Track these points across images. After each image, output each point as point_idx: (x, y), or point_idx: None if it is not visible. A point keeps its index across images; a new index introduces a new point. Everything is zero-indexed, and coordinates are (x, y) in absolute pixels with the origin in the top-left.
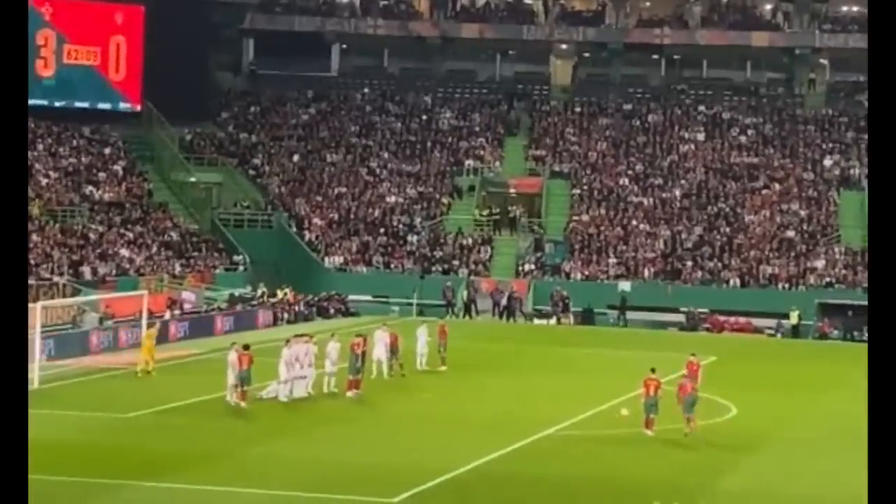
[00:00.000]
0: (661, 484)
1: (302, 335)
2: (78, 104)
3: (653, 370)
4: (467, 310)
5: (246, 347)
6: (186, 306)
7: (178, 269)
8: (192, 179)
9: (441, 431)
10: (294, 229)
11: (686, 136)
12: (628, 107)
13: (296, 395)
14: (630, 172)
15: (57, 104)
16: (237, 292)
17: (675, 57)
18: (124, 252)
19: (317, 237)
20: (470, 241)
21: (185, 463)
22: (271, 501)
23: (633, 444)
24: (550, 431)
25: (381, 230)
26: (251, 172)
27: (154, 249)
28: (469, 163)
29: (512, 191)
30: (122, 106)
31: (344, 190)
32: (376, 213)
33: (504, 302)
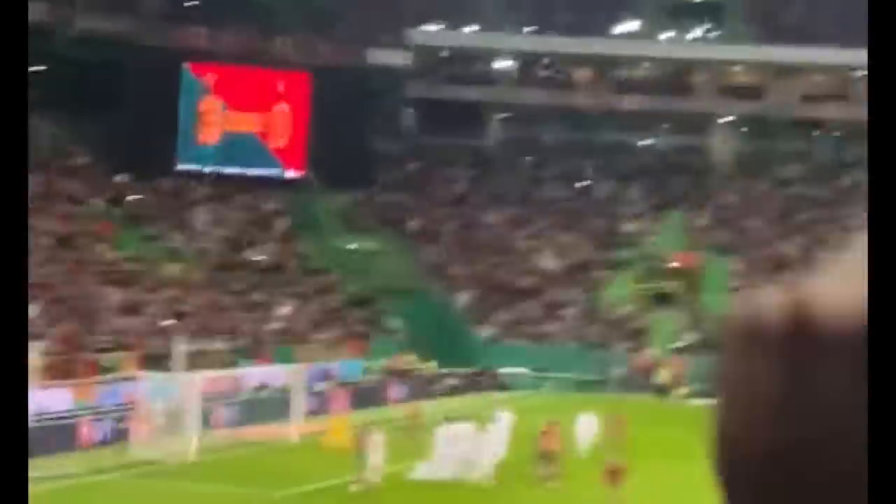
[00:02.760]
0: None
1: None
2: (239, 171)
3: None
4: (626, 387)
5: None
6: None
7: (336, 333)
8: (351, 247)
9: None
10: (449, 300)
11: (853, 211)
12: (791, 180)
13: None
14: (794, 247)
15: (219, 171)
16: (424, 368)
17: (837, 134)
18: (284, 310)
19: (471, 307)
20: (627, 315)
21: None
22: None
23: None
24: None
25: (537, 301)
26: (408, 240)
27: (313, 315)
28: (627, 234)
29: (671, 265)
30: (284, 173)
31: (498, 259)
32: (531, 282)
33: (661, 380)
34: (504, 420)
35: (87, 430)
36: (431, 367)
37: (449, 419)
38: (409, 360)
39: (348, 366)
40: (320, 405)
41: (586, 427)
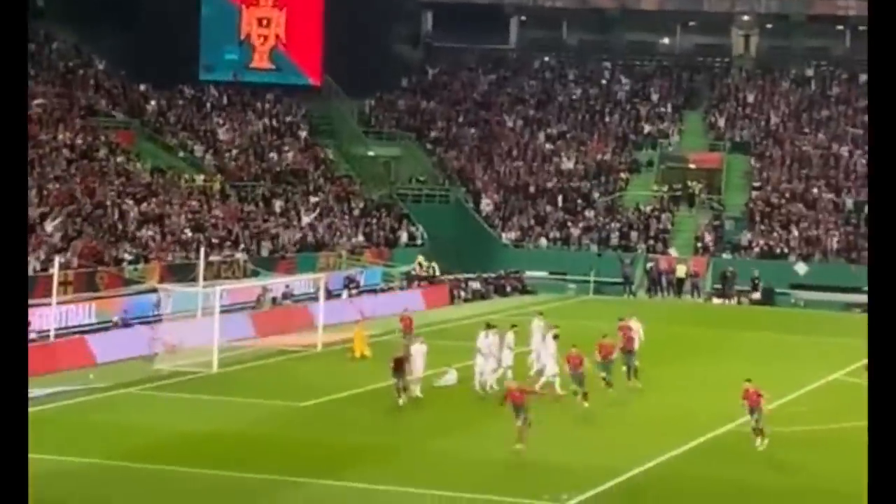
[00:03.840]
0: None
1: (491, 326)
2: (259, 79)
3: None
4: (648, 289)
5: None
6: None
7: (359, 239)
8: (371, 153)
9: (620, 428)
10: (471, 204)
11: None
12: (810, 78)
13: (488, 389)
14: (813, 143)
15: (239, 78)
16: (413, 269)
17: (860, 28)
18: (306, 219)
19: (493, 211)
20: (648, 217)
21: (359, 458)
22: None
23: (813, 443)
24: (731, 427)
25: (558, 204)
26: (428, 146)
27: (335, 219)
28: (647, 134)
29: (691, 165)
30: (304, 80)
31: (521, 163)
32: (553, 184)
33: (682, 281)
34: (541, 327)
35: (103, 345)
36: (454, 272)
37: (489, 326)
38: (430, 266)
39: (370, 273)
40: (343, 313)
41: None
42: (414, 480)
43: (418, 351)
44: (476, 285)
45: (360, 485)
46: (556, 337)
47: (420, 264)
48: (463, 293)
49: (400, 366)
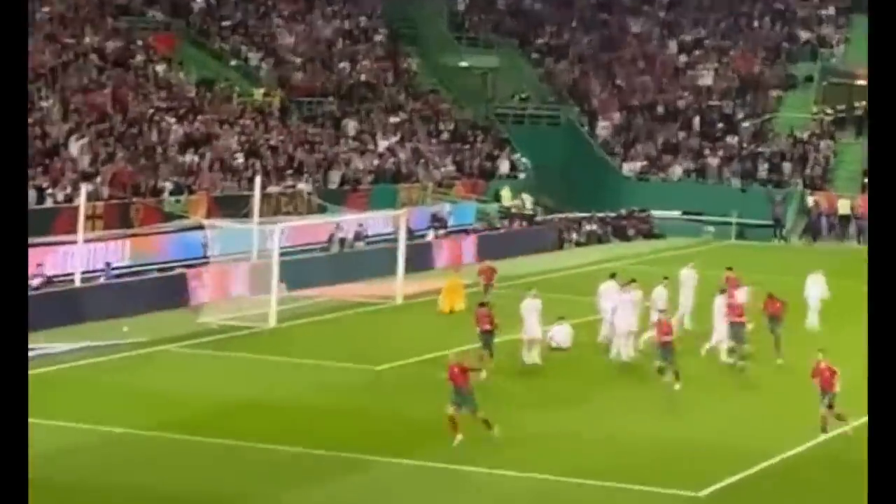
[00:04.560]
0: None
1: (631, 281)
2: None
3: None
4: (803, 232)
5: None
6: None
7: (448, 169)
8: (464, 64)
9: (778, 402)
10: (585, 127)
11: None
12: None
13: (625, 357)
14: None
15: None
16: (513, 206)
17: None
18: (384, 144)
19: (613, 136)
20: (805, 144)
21: (444, 434)
22: (543, 490)
23: None
24: None
25: (693, 128)
26: (534, 56)
27: (420, 144)
28: (805, 42)
29: (859, 82)
30: None
31: (647, 77)
32: (687, 104)
33: (846, 222)
34: (692, 279)
35: (150, 290)
36: (564, 210)
37: (622, 284)
38: (534, 203)
39: (461, 209)
40: (428, 258)
41: (815, 288)
42: (511, 462)
43: (531, 308)
44: (591, 227)
45: (444, 465)
46: (723, 292)
47: (522, 200)
48: (574, 236)
49: (484, 326)
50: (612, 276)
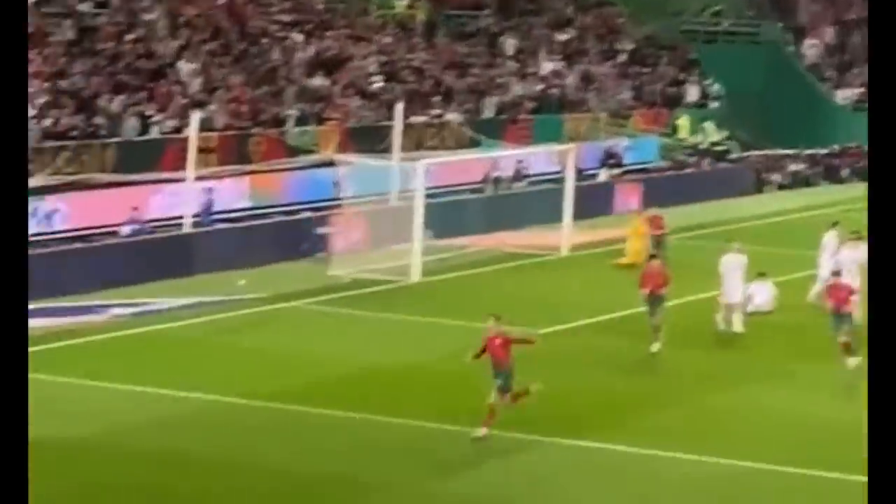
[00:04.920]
0: None
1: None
2: None
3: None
4: None
5: None
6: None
7: (625, 96)
8: None
9: None
10: (791, 47)
11: None
12: None
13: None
14: None
15: None
16: (702, 140)
17: None
18: (548, 67)
19: (824, 58)
20: None
21: (615, 411)
22: (726, 475)
23: None
24: None
25: None
26: None
27: (591, 67)
28: None
29: None
30: None
31: None
32: None
33: None
34: None
35: (271, 237)
36: (763, 146)
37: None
38: (729, 136)
39: (640, 145)
40: (600, 202)
41: None
42: (693, 444)
43: (733, 265)
44: (796, 166)
45: (612, 446)
46: None
47: (704, 132)
48: (776, 177)
49: (651, 287)
50: (835, 224)
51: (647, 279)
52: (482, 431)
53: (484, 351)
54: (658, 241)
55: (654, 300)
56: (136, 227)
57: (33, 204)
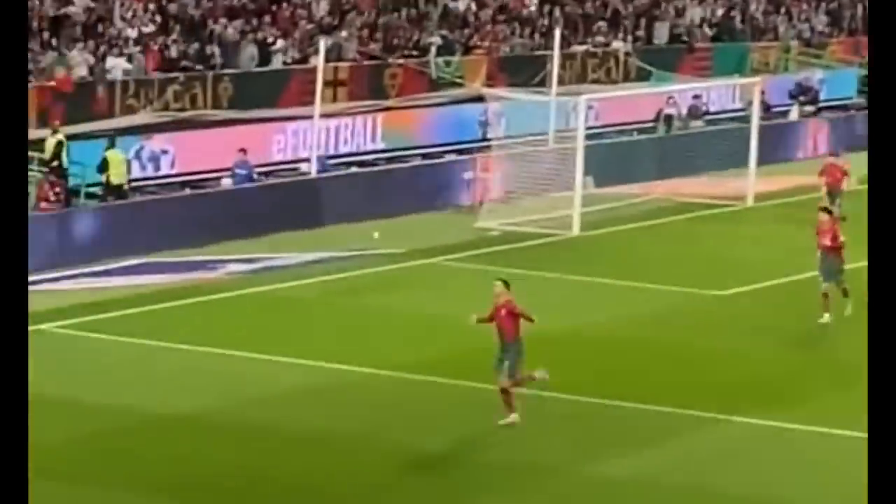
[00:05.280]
0: None
1: None
2: None
3: None
4: None
5: None
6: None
7: (820, 19)
8: None
9: None
10: None
11: None
12: None
13: None
14: None
15: None
16: None
17: None
18: None
19: None
20: None
21: (812, 385)
22: None
23: None
24: None
25: None
26: None
27: None
28: None
29: None
30: None
31: None
32: None
33: None
34: None
35: (409, 184)
36: None
37: None
38: None
39: (837, 78)
40: (791, 143)
41: None
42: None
43: None
44: None
45: (806, 427)
46: None
47: None
48: None
49: (831, 248)
50: None
51: (821, 235)
52: (512, 417)
53: (492, 319)
54: (833, 192)
55: (826, 260)
56: (252, 171)
57: (137, 144)
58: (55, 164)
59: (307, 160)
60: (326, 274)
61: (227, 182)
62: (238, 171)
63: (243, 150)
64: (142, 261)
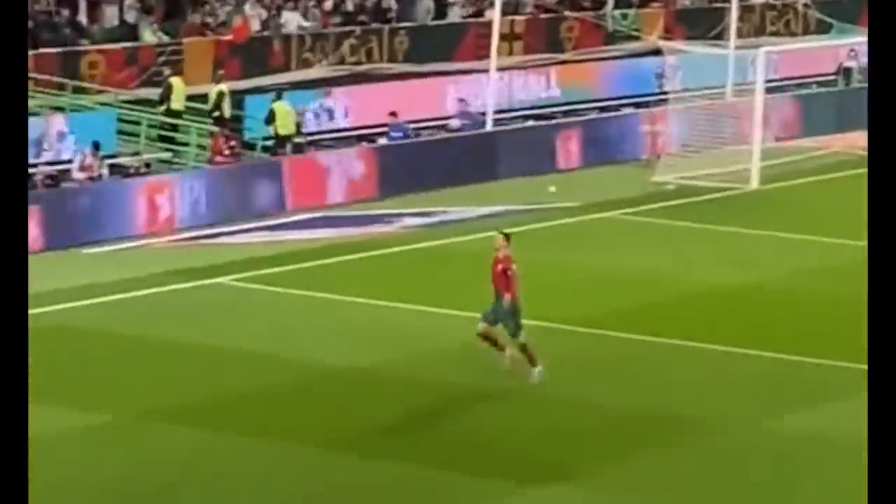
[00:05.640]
0: None
1: None
2: None
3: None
4: None
5: None
6: None
7: None
8: None
9: None
10: None
11: None
12: None
13: None
14: None
15: None
16: None
17: None
18: None
19: None
20: None
21: None
22: None
23: None
24: None
25: None
26: None
27: None
28: None
29: None
30: None
31: None
32: None
33: None
34: None
35: (585, 137)
36: None
37: None
38: None
39: None
40: None
41: None
42: None
43: None
44: None
45: None
46: None
47: None
48: None
49: None
50: None
51: None
52: (507, 359)
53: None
54: None
55: None
56: (408, 132)
57: (312, 97)
58: (216, 114)
59: (483, 114)
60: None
61: (410, 130)
62: (393, 133)
63: (394, 114)
64: (317, 214)
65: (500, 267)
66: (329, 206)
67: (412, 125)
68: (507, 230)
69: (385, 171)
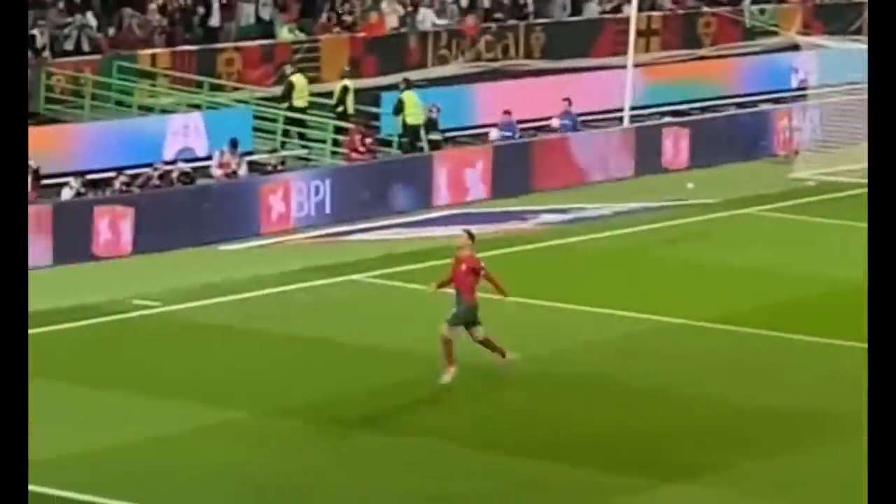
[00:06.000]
0: None
1: None
2: None
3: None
4: None
5: None
6: None
7: None
8: None
9: None
10: None
11: None
12: None
13: None
14: None
15: None
16: None
17: None
18: None
19: None
20: None
21: None
22: None
23: None
24: None
25: None
26: None
27: None
28: None
29: None
30: None
31: None
32: None
33: None
34: None
35: (720, 133)
36: None
37: None
38: None
39: None
40: None
41: None
42: None
43: None
44: None
45: None
46: None
47: None
48: None
49: None
50: None
51: None
52: (449, 375)
53: (452, 281)
54: None
55: None
56: (517, 131)
57: (446, 94)
58: (339, 109)
59: (620, 110)
60: (638, 224)
61: (554, 124)
62: (504, 132)
63: (508, 112)
64: (454, 211)
65: (464, 266)
66: (468, 203)
67: (505, 132)
68: (470, 228)
69: (524, 164)
